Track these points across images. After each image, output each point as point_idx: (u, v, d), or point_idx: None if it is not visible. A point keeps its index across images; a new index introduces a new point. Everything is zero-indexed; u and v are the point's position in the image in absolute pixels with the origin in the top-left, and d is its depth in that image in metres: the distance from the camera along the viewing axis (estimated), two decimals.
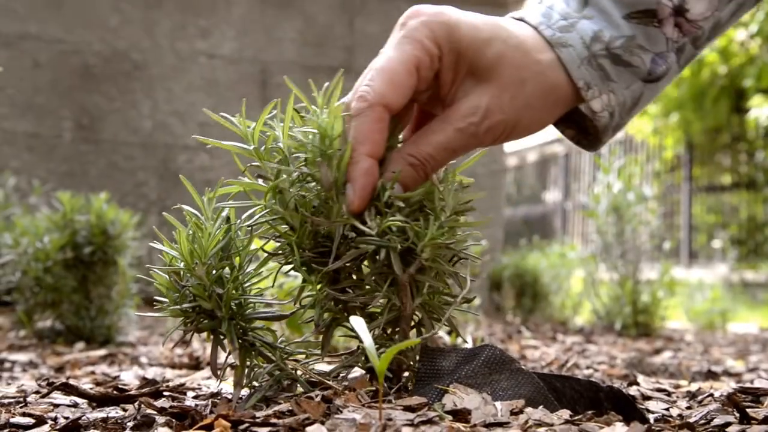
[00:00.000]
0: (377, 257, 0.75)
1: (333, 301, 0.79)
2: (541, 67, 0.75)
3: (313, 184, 0.76)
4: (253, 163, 0.77)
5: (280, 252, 0.79)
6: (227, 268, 0.77)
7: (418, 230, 0.73)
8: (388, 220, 0.73)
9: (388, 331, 0.80)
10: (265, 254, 0.79)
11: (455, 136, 0.75)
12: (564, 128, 0.86)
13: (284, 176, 0.75)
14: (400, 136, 0.81)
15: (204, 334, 0.79)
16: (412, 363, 0.80)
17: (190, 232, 0.76)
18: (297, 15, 3.63)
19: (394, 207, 0.74)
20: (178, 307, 0.76)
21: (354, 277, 0.79)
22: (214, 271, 0.76)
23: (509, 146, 11.76)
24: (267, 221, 0.77)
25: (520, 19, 0.79)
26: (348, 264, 0.77)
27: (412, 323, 0.80)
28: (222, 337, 0.78)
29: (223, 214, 0.78)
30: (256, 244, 0.80)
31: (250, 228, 0.78)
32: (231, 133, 0.79)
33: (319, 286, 0.78)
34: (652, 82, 0.79)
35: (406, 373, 0.80)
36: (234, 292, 0.77)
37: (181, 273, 0.76)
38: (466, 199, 0.78)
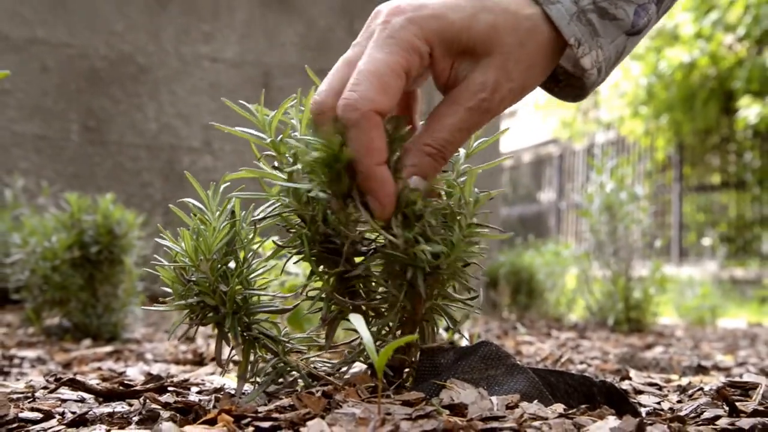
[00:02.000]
0: (394, 266, 0.74)
1: (343, 297, 0.78)
2: (532, 23, 0.73)
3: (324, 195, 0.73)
4: (268, 152, 0.75)
5: (291, 245, 0.77)
6: (232, 262, 0.76)
7: (445, 251, 0.72)
8: (414, 233, 0.71)
9: (392, 326, 0.80)
10: (276, 246, 0.78)
11: (468, 115, 0.73)
12: None
13: (298, 167, 0.73)
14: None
15: (209, 330, 0.79)
16: (414, 360, 0.80)
17: (196, 227, 0.75)
18: (298, 19, 3.65)
19: (423, 219, 0.72)
20: (183, 301, 0.76)
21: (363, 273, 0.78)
22: (219, 266, 0.75)
23: (505, 147, 11.78)
24: (279, 214, 0.75)
25: None
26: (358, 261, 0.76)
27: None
28: (226, 330, 0.77)
29: (228, 207, 0.76)
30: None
31: (254, 221, 0.76)
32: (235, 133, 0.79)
33: (330, 280, 0.78)
34: (635, 35, 0.77)
35: (407, 370, 0.81)
36: (238, 287, 0.76)
37: (187, 268, 0.76)
38: (481, 209, 0.78)
